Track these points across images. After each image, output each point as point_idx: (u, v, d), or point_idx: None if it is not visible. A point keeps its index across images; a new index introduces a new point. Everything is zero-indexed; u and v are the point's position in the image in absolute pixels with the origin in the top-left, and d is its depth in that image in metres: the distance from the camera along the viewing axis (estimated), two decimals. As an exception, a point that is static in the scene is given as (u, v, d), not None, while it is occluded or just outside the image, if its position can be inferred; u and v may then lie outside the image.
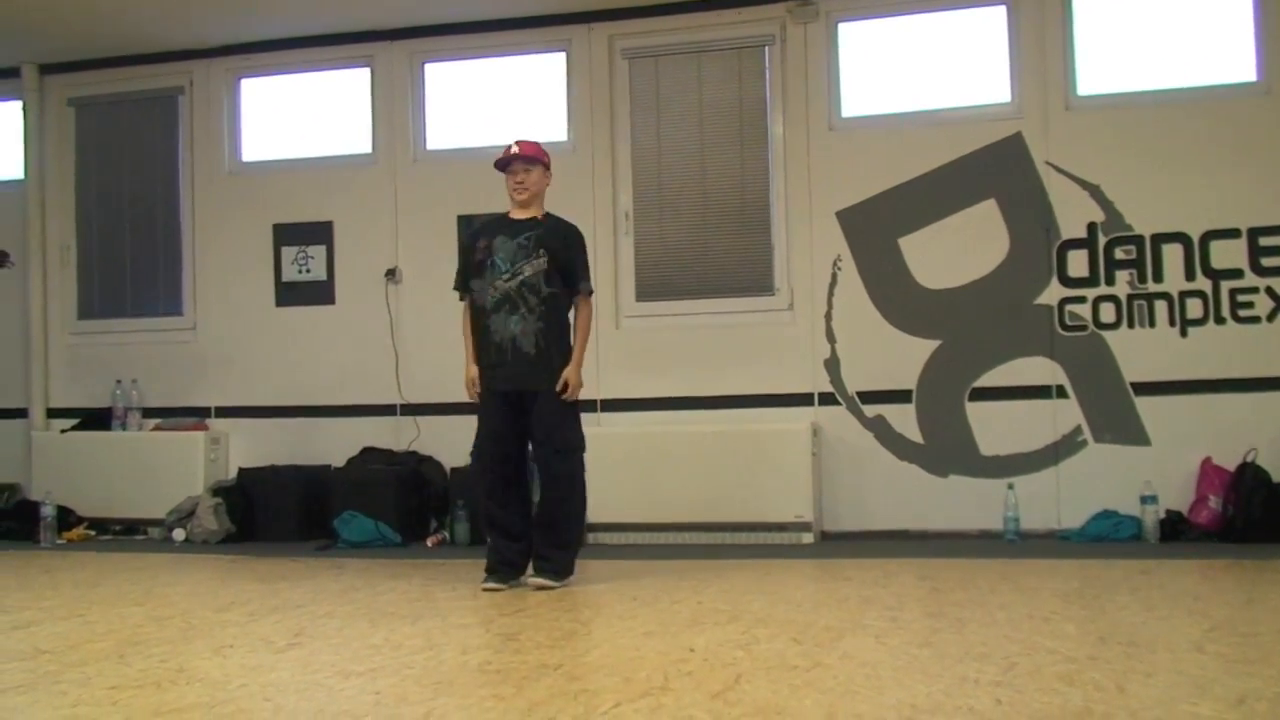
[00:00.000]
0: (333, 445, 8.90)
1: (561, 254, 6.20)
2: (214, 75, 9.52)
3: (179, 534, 8.52)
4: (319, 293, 9.21)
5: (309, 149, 9.41)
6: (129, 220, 9.73)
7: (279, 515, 8.58)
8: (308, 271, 9.22)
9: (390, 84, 9.16)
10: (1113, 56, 8.06)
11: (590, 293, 6.35)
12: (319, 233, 9.22)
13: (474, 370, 6.20)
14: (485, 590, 5.98)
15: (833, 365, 8.24)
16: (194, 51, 9.47)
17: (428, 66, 9.17)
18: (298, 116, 9.50)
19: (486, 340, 6.15)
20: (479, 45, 9.04)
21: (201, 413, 9.35)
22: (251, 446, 9.14)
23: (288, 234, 9.28)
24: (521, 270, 6.12)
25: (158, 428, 9.30)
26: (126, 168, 9.76)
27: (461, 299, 6.38)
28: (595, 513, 8.00)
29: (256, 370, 9.29)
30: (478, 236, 6.37)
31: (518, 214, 6.33)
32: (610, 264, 8.62)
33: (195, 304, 9.51)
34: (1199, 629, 4.47)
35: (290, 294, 9.28)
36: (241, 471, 8.88)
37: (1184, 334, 7.76)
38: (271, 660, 4.25)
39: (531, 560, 6.16)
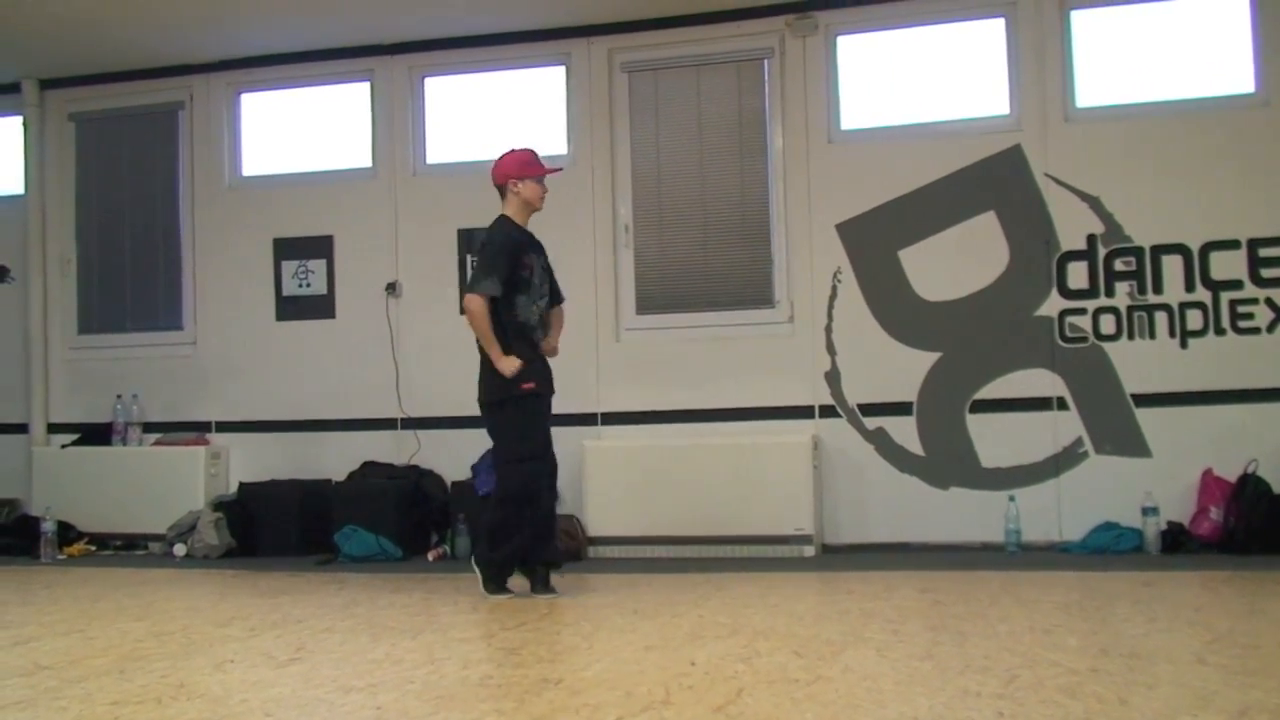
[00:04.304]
0: (333, 459, 8.90)
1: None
2: (214, 90, 9.53)
3: (180, 549, 8.50)
4: (319, 307, 9.22)
5: (309, 163, 9.41)
6: (129, 234, 9.73)
7: (280, 530, 8.57)
8: (308, 285, 9.22)
9: (390, 98, 9.17)
10: (1112, 68, 8.07)
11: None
12: (319, 247, 9.22)
13: (516, 360, 6.23)
14: (512, 599, 6.15)
15: (833, 377, 8.24)
16: (194, 66, 9.48)
17: (428, 80, 9.18)
18: (298, 131, 9.51)
19: (533, 351, 6.34)
20: (479, 59, 9.05)
21: (202, 427, 9.35)
22: (252, 461, 9.13)
23: (288, 248, 9.29)
24: (545, 293, 6.48)
25: (158, 442, 9.29)
26: (127, 182, 9.77)
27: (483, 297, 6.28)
28: (595, 526, 8.04)
29: (257, 384, 9.28)
30: (523, 250, 6.41)
31: (525, 228, 6.51)
32: (610, 276, 8.64)
33: (196, 318, 9.51)
34: (1201, 641, 4.47)
35: (291, 308, 9.28)
36: (242, 486, 8.88)
37: (1184, 345, 7.76)
38: (272, 675, 4.25)
39: (538, 571, 6.33)
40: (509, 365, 6.19)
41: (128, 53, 9.27)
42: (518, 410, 6.27)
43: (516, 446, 6.29)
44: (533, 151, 6.59)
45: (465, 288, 6.40)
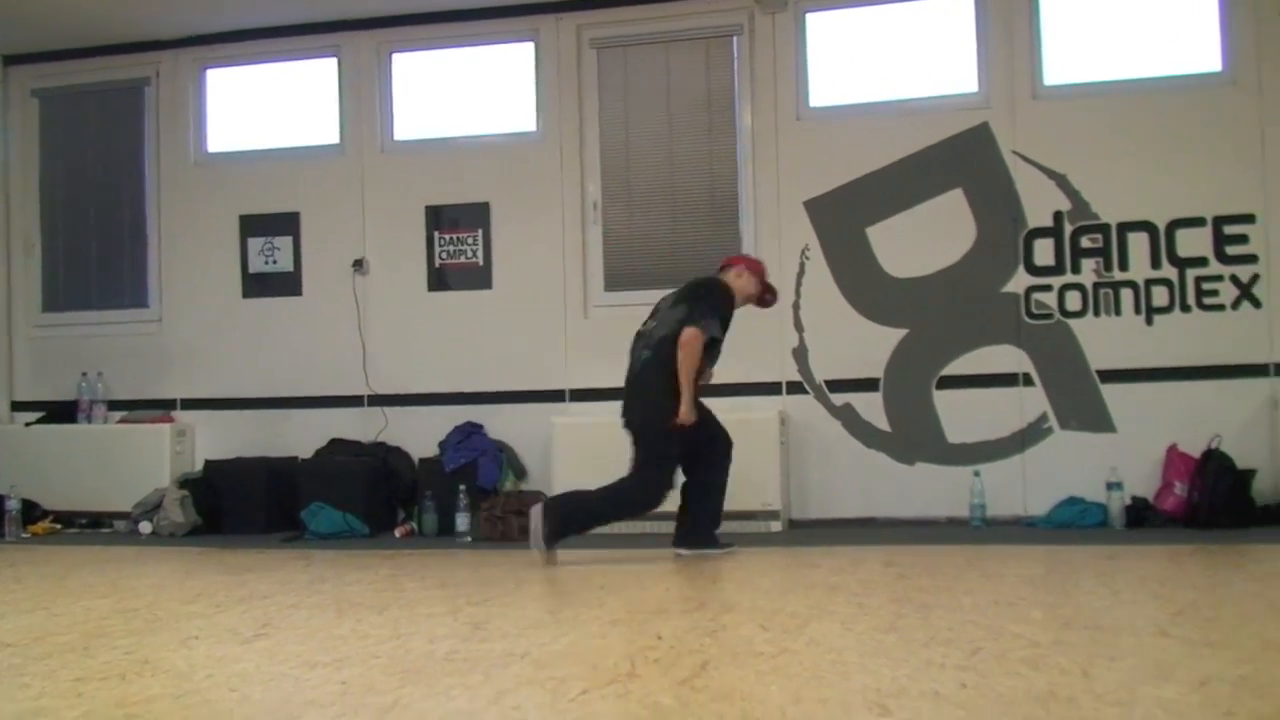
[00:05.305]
0: (300, 437, 8.88)
1: None
2: (180, 66, 9.46)
3: (145, 527, 8.47)
4: (286, 284, 9.18)
5: (276, 140, 9.36)
6: (94, 212, 9.67)
7: (246, 507, 8.53)
8: (274, 263, 9.18)
9: (357, 74, 9.13)
10: (1079, 46, 8.09)
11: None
12: (286, 224, 9.18)
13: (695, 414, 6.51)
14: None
15: (801, 354, 8.25)
16: (160, 42, 9.41)
17: (395, 56, 9.13)
18: (264, 107, 9.45)
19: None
20: (447, 35, 9.01)
21: (167, 405, 9.31)
22: (218, 439, 9.10)
23: (254, 225, 9.25)
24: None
25: (123, 420, 9.24)
26: (91, 159, 9.70)
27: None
28: (564, 502, 8.01)
29: (223, 362, 9.24)
30: (728, 322, 6.72)
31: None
32: (578, 253, 8.63)
33: (161, 296, 9.45)
34: (1164, 613, 4.49)
35: (257, 285, 9.24)
36: (208, 464, 8.83)
37: (1150, 322, 7.80)
38: (237, 651, 4.23)
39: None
40: (688, 415, 6.43)
41: (93, 28, 9.20)
42: (672, 444, 6.53)
43: (661, 470, 6.56)
44: (765, 273, 7.01)
45: (686, 319, 6.51)
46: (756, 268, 6.93)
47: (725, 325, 6.62)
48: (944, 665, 3.61)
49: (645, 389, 6.56)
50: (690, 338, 6.40)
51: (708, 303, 6.56)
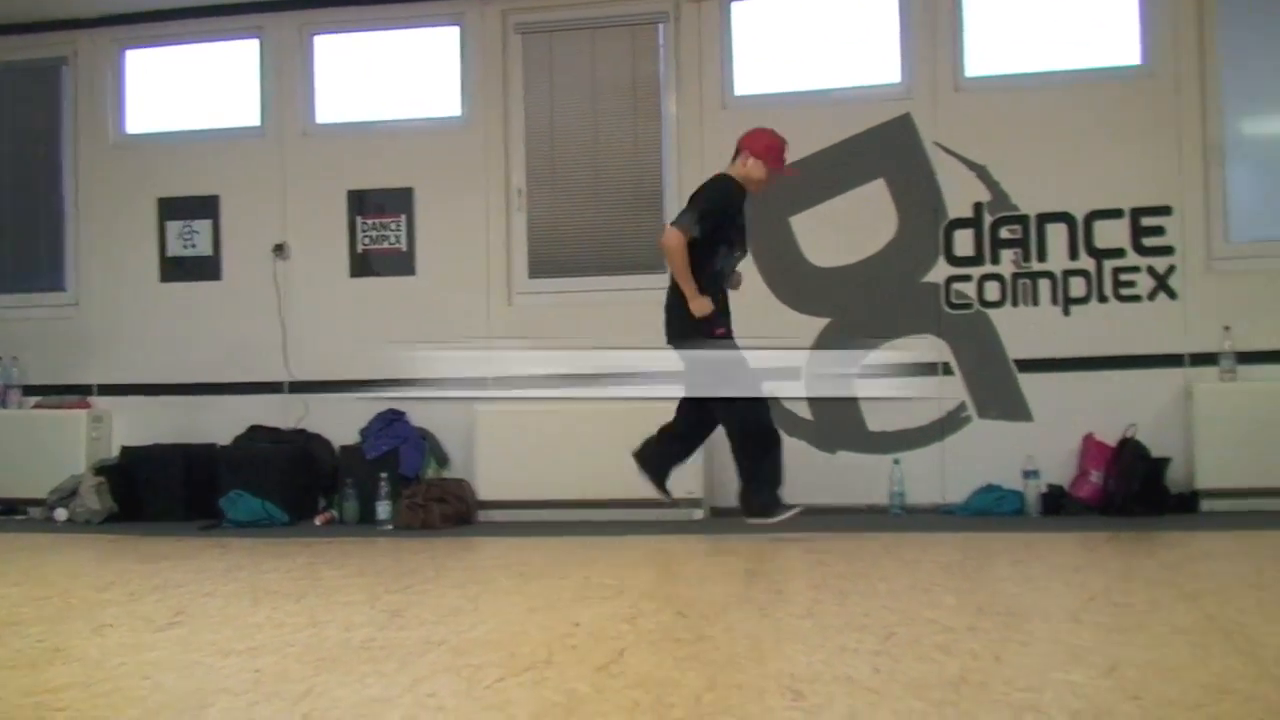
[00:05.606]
0: (219, 424, 8.77)
1: None
2: (98, 46, 9.31)
3: (61, 514, 8.35)
4: (205, 268, 9.07)
5: (196, 121, 9.24)
6: (9, 193, 9.50)
7: (163, 495, 8.44)
8: (193, 246, 9.07)
9: (279, 56, 9.03)
10: (1001, 38, 8.17)
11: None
12: (205, 207, 9.07)
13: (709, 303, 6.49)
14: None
15: (724, 342, 8.27)
16: (78, 21, 9.26)
17: (317, 39, 9.04)
18: (184, 88, 9.32)
19: (723, 297, 6.64)
20: (370, 18, 8.94)
21: (84, 390, 9.16)
22: (135, 425, 8.97)
23: (173, 208, 9.13)
24: (745, 248, 6.86)
25: (39, 406, 9.10)
26: (7, 139, 9.53)
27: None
28: (485, 490, 8.02)
29: (140, 347, 9.12)
30: (737, 210, 6.64)
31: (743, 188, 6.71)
32: (502, 240, 8.60)
33: (78, 279, 9.31)
34: (1077, 599, 4.56)
35: (175, 269, 9.13)
36: (125, 450, 8.73)
37: (1067, 312, 7.90)
38: (151, 639, 4.18)
39: None
40: (702, 306, 6.39)
41: (8, 6, 9.05)
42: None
43: None
44: (785, 145, 6.75)
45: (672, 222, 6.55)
46: (758, 146, 6.69)
47: (721, 217, 6.49)
48: (858, 650, 3.64)
49: (674, 313, 6.57)
50: (664, 237, 6.48)
51: (691, 202, 6.59)
